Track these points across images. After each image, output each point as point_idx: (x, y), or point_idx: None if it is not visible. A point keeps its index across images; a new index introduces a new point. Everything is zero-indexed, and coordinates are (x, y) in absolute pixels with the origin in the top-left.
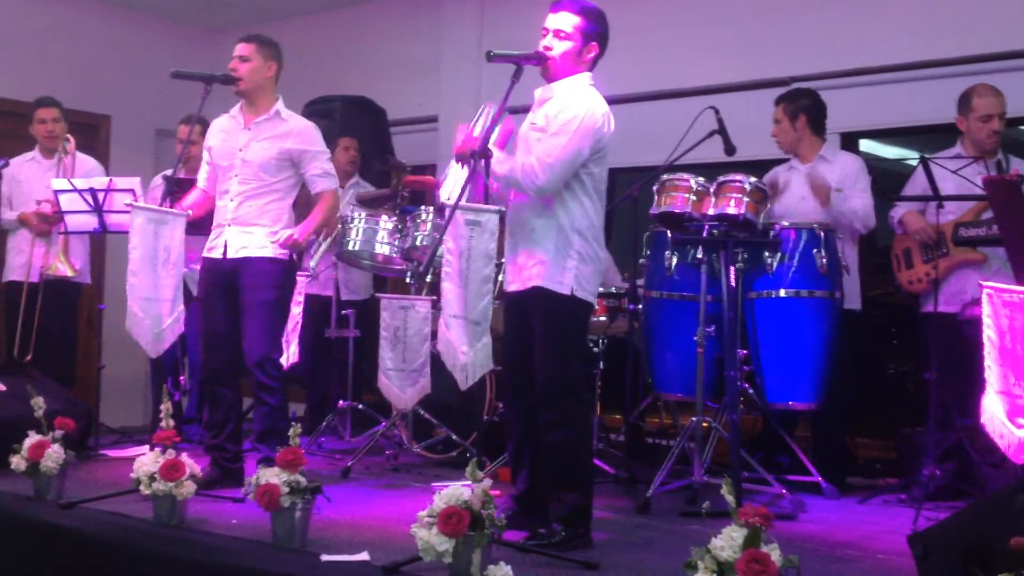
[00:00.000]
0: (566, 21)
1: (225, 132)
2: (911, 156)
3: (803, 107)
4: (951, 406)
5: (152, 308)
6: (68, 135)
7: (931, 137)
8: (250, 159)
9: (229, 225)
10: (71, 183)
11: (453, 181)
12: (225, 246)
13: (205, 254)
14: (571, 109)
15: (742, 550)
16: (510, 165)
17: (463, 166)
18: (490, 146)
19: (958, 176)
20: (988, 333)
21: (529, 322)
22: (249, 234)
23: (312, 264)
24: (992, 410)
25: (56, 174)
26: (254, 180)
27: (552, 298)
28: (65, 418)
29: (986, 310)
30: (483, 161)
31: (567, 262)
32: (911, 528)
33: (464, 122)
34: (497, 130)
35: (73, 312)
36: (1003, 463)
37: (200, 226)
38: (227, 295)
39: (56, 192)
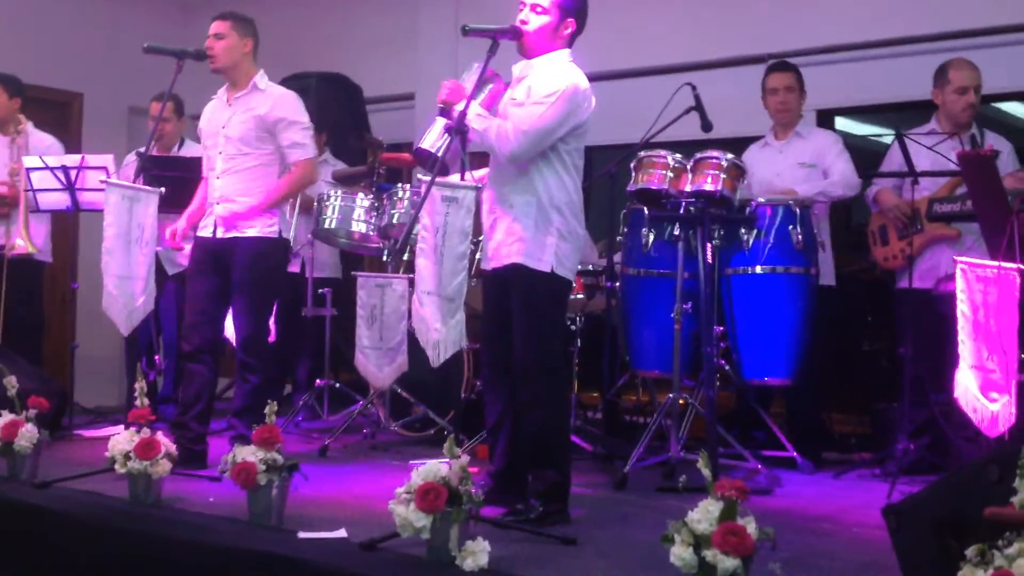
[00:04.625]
0: None
1: (212, 112)
2: (886, 133)
3: (803, 82)
4: (925, 381)
5: (126, 286)
6: (19, 115)
7: (906, 114)
8: (231, 134)
9: (217, 203)
10: (43, 160)
11: (435, 132)
12: (215, 225)
13: (197, 232)
14: (554, 82)
15: (718, 523)
16: (487, 125)
17: (446, 118)
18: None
19: (933, 152)
20: (962, 308)
21: (508, 299)
22: (237, 212)
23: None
24: (966, 384)
25: (11, 153)
26: (236, 154)
27: (531, 275)
28: (39, 397)
29: (960, 285)
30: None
31: (547, 239)
32: (885, 502)
33: (431, 99)
34: (483, 95)
35: (38, 292)
36: (977, 436)
37: (173, 203)
38: (215, 273)
39: (27, 170)
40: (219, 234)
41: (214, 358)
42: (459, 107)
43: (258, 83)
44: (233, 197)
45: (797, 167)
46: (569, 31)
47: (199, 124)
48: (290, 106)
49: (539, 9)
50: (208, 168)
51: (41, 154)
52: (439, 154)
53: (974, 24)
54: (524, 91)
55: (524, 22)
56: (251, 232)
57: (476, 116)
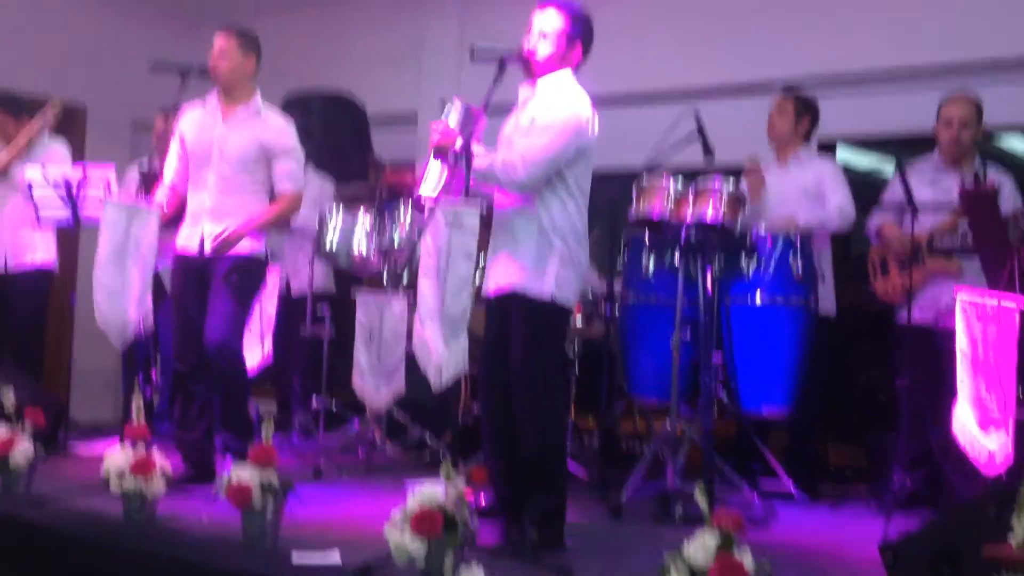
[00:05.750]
0: (552, 21)
1: (200, 123)
2: (887, 165)
3: (809, 112)
4: (923, 414)
5: (117, 301)
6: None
7: (909, 147)
8: (228, 152)
9: (207, 221)
10: (44, 175)
11: (432, 176)
12: (201, 240)
13: (179, 247)
14: (557, 108)
15: (715, 556)
16: (490, 160)
17: (442, 161)
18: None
19: (935, 185)
20: (961, 343)
21: (508, 324)
22: (225, 228)
23: None
24: (963, 419)
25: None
26: (232, 174)
27: (532, 301)
28: (35, 412)
29: (959, 320)
30: (465, 160)
31: (548, 265)
32: (882, 535)
33: (435, 119)
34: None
35: (43, 304)
36: (974, 473)
37: (174, 219)
38: (201, 291)
39: (29, 183)
40: (205, 250)
41: (210, 375)
42: (458, 146)
43: (260, 108)
44: (224, 215)
45: (799, 193)
46: (576, 56)
47: (178, 126)
48: (292, 137)
49: (547, 35)
50: (195, 180)
51: (48, 160)
52: (439, 192)
53: (978, 56)
54: (529, 116)
55: (533, 47)
56: (241, 251)
57: (476, 155)
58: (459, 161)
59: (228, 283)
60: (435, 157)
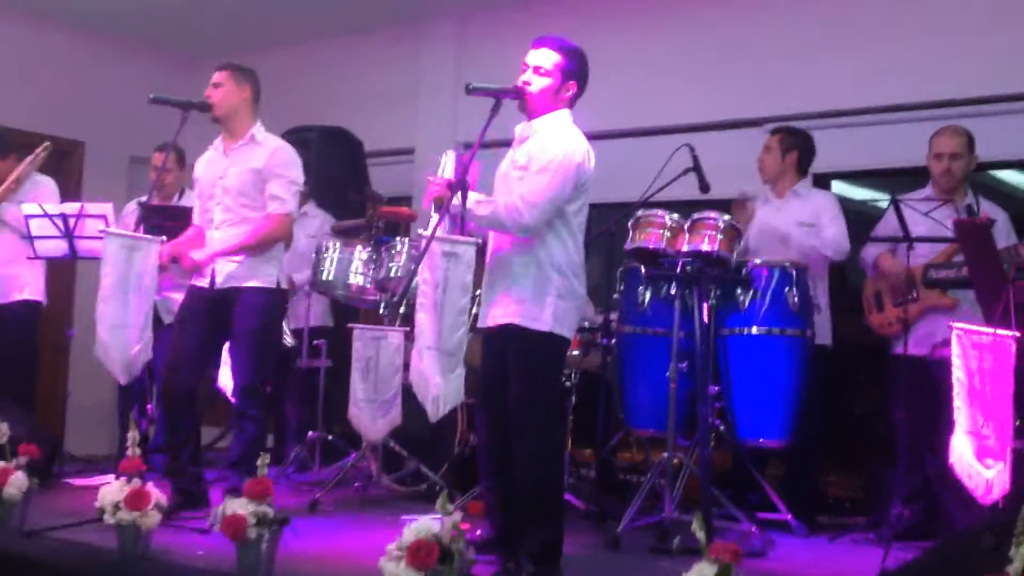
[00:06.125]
0: (547, 58)
1: (208, 162)
2: (882, 198)
3: (797, 145)
4: (920, 446)
5: (121, 335)
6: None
7: (902, 180)
8: (229, 185)
9: None
10: (42, 208)
11: (432, 225)
12: (212, 274)
13: (192, 281)
14: (554, 147)
15: None
16: (492, 207)
17: (440, 213)
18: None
19: (929, 218)
20: (957, 374)
21: (506, 357)
22: (235, 262)
23: None
24: (960, 450)
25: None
26: (235, 205)
27: (529, 335)
28: (30, 444)
29: (955, 351)
30: (459, 192)
31: (546, 299)
32: (880, 567)
33: (431, 153)
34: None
35: (32, 335)
36: (972, 503)
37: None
38: (206, 321)
39: (27, 217)
40: (216, 284)
41: (196, 404)
42: (471, 201)
43: (256, 135)
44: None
45: (796, 225)
46: (571, 93)
47: (194, 174)
48: (280, 159)
49: (542, 71)
50: (204, 219)
51: (36, 198)
52: (437, 224)
53: (971, 92)
54: (525, 154)
55: (527, 83)
56: (250, 283)
57: (477, 203)
58: (454, 199)
59: (249, 327)
60: (434, 210)
